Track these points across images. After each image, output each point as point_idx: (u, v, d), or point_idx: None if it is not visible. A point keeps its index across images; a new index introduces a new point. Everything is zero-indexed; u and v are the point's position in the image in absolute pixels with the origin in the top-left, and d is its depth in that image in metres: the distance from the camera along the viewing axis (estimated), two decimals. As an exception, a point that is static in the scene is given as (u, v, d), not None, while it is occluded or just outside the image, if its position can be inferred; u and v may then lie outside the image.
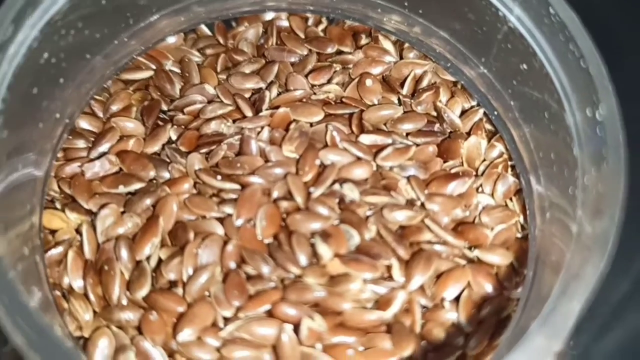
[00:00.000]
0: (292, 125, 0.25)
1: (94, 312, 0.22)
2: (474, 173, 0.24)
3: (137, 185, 0.24)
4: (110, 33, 0.24)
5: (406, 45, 0.27)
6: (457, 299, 0.22)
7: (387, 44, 0.27)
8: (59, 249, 0.23)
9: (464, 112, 0.26)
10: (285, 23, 0.28)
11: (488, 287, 0.22)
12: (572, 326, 0.16)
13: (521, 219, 0.24)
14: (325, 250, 0.22)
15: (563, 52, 0.20)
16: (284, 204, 0.23)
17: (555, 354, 0.22)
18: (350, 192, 0.23)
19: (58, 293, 0.22)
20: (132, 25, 0.25)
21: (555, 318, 0.16)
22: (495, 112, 0.24)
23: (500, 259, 0.22)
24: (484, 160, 0.25)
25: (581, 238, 0.18)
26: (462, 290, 0.22)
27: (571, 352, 0.23)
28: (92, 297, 0.22)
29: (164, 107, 0.26)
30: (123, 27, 0.24)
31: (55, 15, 0.20)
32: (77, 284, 0.22)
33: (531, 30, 0.21)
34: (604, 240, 0.17)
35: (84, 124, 0.25)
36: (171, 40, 0.27)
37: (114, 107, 0.26)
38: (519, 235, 0.23)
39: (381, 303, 0.22)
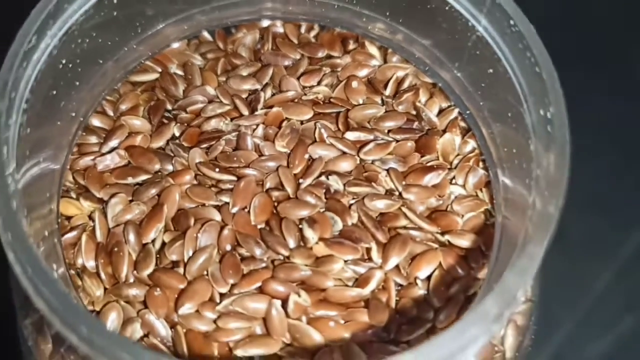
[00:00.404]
0: (284, 123, 0.28)
1: (105, 288, 0.25)
2: (448, 166, 0.27)
3: (144, 177, 0.26)
4: (120, 40, 0.27)
5: (389, 50, 0.30)
6: (428, 278, 0.25)
7: (372, 49, 0.30)
8: (74, 233, 0.26)
9: (440, 111, 0.28)
10: (280, 29, 0.31)
11: (457, 268, 0.25)
12: (516, 296, 0.19)
13: (490, 207, 0.26)
14: (311, 235, 0.25)
15: (521, 59, 0.23)
16: (276, 193, 0.26)
17: (518, 328, 0.25)
18: (335, 183, 0.26)
19: (73, 272, 0.25)
20: (140, 34, 0.28)
21: (502, 288, 0.19)
22: (468, 112, 0.27)
23: (468, 242, 0.25)
24: (458, 154, 0.27)
25: (532, 220, 0.21)
26: (434, 271, 0.25)
27: (533, 326, 0.26)
28: (103, 275, 0.25)
29: (169, 107, 0.29)
30: (132, 35, 0.27)
31: (72, 26, 0.23)
32: (90, 264, 0.25)
33: (496, 39, 0.24)
34: (547, 222, 0.20)
35: (96, 121, 0.28)
36: (175, 45, 0.30)
37: (123, 107, 0.29)
38: (487, 222, 0.26)
39: (360, 281, 0.24)
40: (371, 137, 0.27)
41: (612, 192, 0.45)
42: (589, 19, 0.50)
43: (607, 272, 0.43)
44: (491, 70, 0.25)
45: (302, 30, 0.31)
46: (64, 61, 0.24)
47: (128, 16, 0.26)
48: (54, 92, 0.24)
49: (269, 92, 0.29)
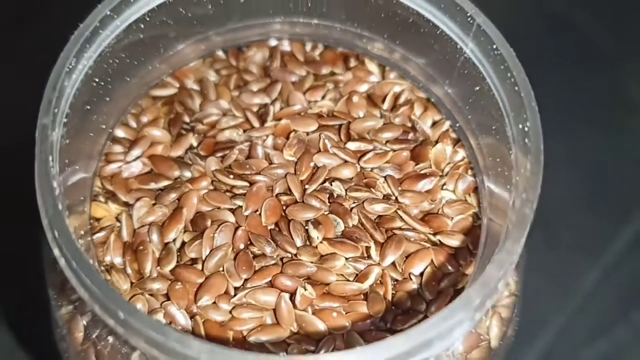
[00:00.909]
0: (292, 134, 0.31)
1: (131, 283, 0.28)
2: (440, 173, 0.30)
3: (165, 183, 0.30)
4: (145, 60, 0.30)
5: (387, 68, 0.33)
6: (421, 274, 0.28)
7: (372, 67, 0.33)
8: (103, 233, 0.29)
9: (433, 124, 0.31)
10: (287, 48, 0.34)
11: (447, 265, 0.28)
12: (496, 287, 0.22)
13: (477, 210, 0.30)
14: (316, 235, 0.28)
15: (503, 79, 0.26)
16: (284, 198, 0.29)
17: (502, 320, 0.28)
18: (338, 189, 0.29)
19: (102, 268, 0.28)
20: (162, 53, 0.31)
21: (483, 280, 0.22)
22: (458, 124, 0.30)
23: (457, 242, 0.28)
24: (449, 163, 0.30)
25: (511, 220, 0.24)
26: (426, 267, 0.28)
27: (517, 318, 0.29)
28: (129, 271, 0.28)
29: (186, 119, 0.32)
30: (156, 55, 0.30)
31: (105, 49, 0.26)
32: (117, 260, 0.28)
33: (481, 60, 0.27)
34: (524, 221, 0.23)
35: (120, 133, 0.31)
36: (192, 64, 0.33)
37: (145, 119, 0.32)
38: (474, 224, 0.29)
39: (360, 276, 0.27)
40: (370, 147, 0.30)
41: (600, 192, 0.48)
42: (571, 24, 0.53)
43: (596, 268, 0.46)
44: (477, 88, 0.28)
45: (308, 49, 0.34)
46: (97, 80, 0.27)
47: (152, 38, 0.29)
48: (88, 107, 0.27)
49: (277, 105, 0.32)
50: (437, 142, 0.31)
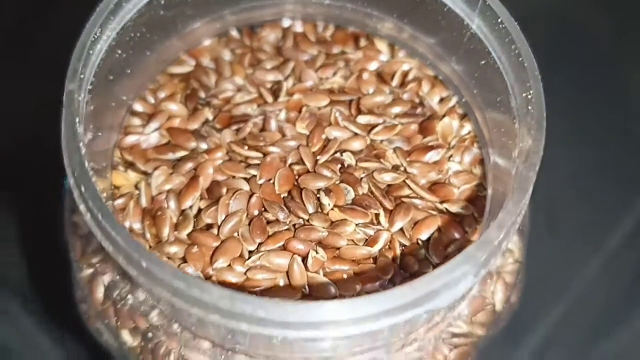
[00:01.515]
0: (304, 109, 0.32)
1: (150, 246, 0.29)
2: (447, 146, 0.32)
3: (182, 153, 0.31)
4: (163, 36, 0.31)
5: (396, 47, 0.34)
6: (428, 240, 0.29)
7: (381, 46, 0.35)
8: (123, 200, 0.30)
9: (441, 100, 0.33)
10: (299, 29, 0.36)
11: (453, 232, 0.29)
12: (496, 246, 0.23)
13: (482, 181, 0.31)
14: (327, 202, 0.29)
15: (507, 52, 0.28)
16: (296, 167, 0.30)
17: (506, 284, 0.30)
18: (349, 159, 0.31)
19: (122, 233, 0.30)
20: (179, 31, 0.32)
21: (486, 237, 0.23)
22: (464, 99, 0.32)
23: (463, 210, 0.30)
24: (455, 136, 0.32)
25: (514, 185, 0.25)
26: (433, 233, 0.29)
27: (519, 284, 0.30)
28: (148, 235, 0.29)
29: (202, 95, 0.34)
30: (173, 32, 0.32)
31: (128, 22, 0.28)
32: (136, 225, 0.30)
33: (487, 35, 0.29)
34: (525, 185, 0.24)
35: (138, 107, 0.33)
36: (207, 42, 0.35)
37: (162, 94, 0.33)
38: (479, 194, 0.31)
39: (370, 241, 0.29)
40: (380, 120, 0.32)
41: (602, 181, 0.49)
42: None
43: (596, 258, 0.48)
44: (483, 62, 0.29)
45: (319, 30, 0.36)
46: (119, 51, 0.28)
47: (171, 15, 0.31)
48: (111, 78, 0.28)
49: (290, 82, 0.33)
50: (444, 116, 0.32)
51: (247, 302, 0.22)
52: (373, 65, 0.34)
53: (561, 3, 0.55)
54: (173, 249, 0.29)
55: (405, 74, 0.34)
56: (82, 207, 0.24)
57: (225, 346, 0.27)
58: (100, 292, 0.29)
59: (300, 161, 0.31)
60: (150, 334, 0.28)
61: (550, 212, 0.47)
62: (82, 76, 0.26)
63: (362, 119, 0.32)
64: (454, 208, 0.30)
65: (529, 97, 0.26)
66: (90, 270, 0.29)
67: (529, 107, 0.26)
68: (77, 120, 0.25)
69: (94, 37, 0.27)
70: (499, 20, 0.28)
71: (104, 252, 0.28)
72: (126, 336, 0.28)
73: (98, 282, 0.29)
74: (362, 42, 0.35)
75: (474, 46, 0.30)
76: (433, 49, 0.33)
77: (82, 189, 0.24)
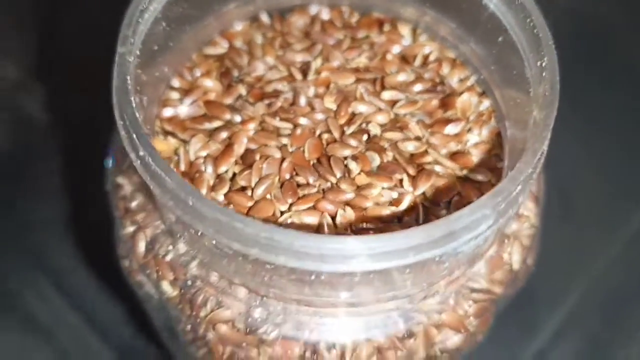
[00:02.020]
0: (331, 85, 0.35)
1: (188, 207, 0.32)
2: (466, 120, 0.34)
3: (218, 124, 0.34)
4: (201, 14, 0.34)
5: (418, 30, 0.37)
6: (449, 203, 0.32)
7: (404, 31, 0.37)
8: (163, 164, 0.33)
9: (460, 80, 0.36)
10: (326, 17, 0.39)
11: (472, 195, 0.32)
12: (514, 194, 0.26)
13: (500, 153, 0.34)
14: (354, 167, 0.32)
15: (523, 26, 0.30)
16: (325, 136, 0.33)
17: (523, 247, 0.32)
18: (374, 129, 0.33)
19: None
20: (215, 10, 0.35)
21: (501, 186, 0.26)
22: (482, 77, 0.35)
23: (482, 177, 0.32)
24: (474, 111, 0.35)
25: (529, 139, 0.28)
26: (453, 197, 0.32)
27: (535, 248, 0.33)
28: (186, 197, 0.32)
29: (236, 74, 0.37)
30: (210, 11, 0.35)
31: (170, -2, 0.31)
32: (176, 188, 0.32)
33: (504, 12, 0.32)
34: (540, 139, 0.27)
35: (176, 82, 0.36)
36: (239, 27, 0.38)
37: (198, 72, 0.36)
38: (497, 165, 0.33)
39: (394, 202, 0.31)
40: (403, 96, 0.35)
41: (620, 169, 0.52)
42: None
43: (615, 242, 0.50)
44: (500, 39, 0.32)
45: (345, 16, 0.39)
46: (164, 24, 0.31)
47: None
48: (155, 48, 0.31)
49: (318, 62, 0.36)
50: (463, 93, 0.35)
51: (285, 234, 0.24)
52: (396, 49, 0.37)
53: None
54: (210, 209, 0.31)
55: (426, 56, 0.37)
56: (132, 155, 0.27)
57: (260, 292, 0.29)
58: (142, 247, 0.31)
59: (329, 132, 0.33)
60: (189, 283, 0.30)
61: (568, 198, 0.49)
62: (131, 41, 0.29)
63: (386, 95, 0.35)
64: (473, 175, 0.32)
65: (543, 64, 0.29)
66: (132, 227, 0.32)
67: (543, 74, 0.29)
68: (128, 78, 0.28)
69: (142, 7, 0.30)
70: (515, -3, 0.31)
71: (145, 209, 0.31)
72: (166, 287, 0.31)
73: (140, 237, 0.31)
74: (386, 27, 0.38)
75: (491, 25, 0.32)
76: (453, 30, 0.35)
77: (134, 136, 0.26)
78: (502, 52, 0.32)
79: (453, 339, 0.31)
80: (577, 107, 0.46)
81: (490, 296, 0.31)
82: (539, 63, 0.29)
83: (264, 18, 0.39)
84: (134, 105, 0.27)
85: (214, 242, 0.27)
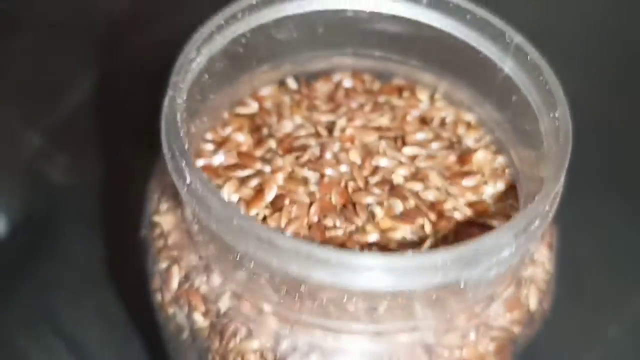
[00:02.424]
0: (356, 141, 0.38)
1: (220, 246, 0.34)
2: (482, 174, 0.37)
3: (249, 172, 0.37)
4: (238, 71, 0.38)
5: (436, 96, 0.41)
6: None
7: (422, 96, 0.41)
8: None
9: (476, 140, 0.39)
10: (349, 84, 0.43)
11: (490, 240, 0.34)
12: (530, 226, 0.28)
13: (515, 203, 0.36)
14: (379, 211, 0.35)
15: (536, 83, 0.34)
16: (351, 184, 0.36)
17: (540, 291, 0.34)
18: (397, 179, 0.36)
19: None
20: (249, 72, 0.39)
21: (521, 215, 0.29)
22: (497, 135, 0.38)
23: (499, 222, 0.35)
24: (489, 167, 0.38)
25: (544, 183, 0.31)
26: (472, 240, 0.34)
27: (550, 294, 0.35)
28: (219, 237, 0.35)
29: (265, 132, 0.40)
30: (244, 71, 0.39)
31: (216, 52, 0.35)
32: (209, 229, 0.35)
33: (517, 73, 0.35)
34: (554, 179, 0.30)
35: (209, 136, 0.39)
36: (266, 89, 0.42)
37: (230, 128, 0.39)
38: (512, 214, 0.36)
39: (416, 245, 0.34)
40: (423, 151, 0.38)
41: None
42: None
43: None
44: (514, 98, 0.36)
45: (367, 85, 0.43)
46: (206, 76, 0.35)
47: (246, 55, 0.38)
48: (199, 98, 0.35)
49: (343, 121, 0.40)
50: (478, 150, 0.38)
51: (321, 247, 0.27)
52: (415, 112, 0.40)
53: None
54: (242, 248, 0.34)
55: (443, 119, 0.40)
56: (179, 183, 0.29)
57: (290, 319, 0.31)
58: (176, 279, 0.33)
59: (354, 181, 0.36)
60: (220, 314, 0.32)
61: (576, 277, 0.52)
62: (181, 87, 0.32)
63: (407, 150, 0.38)
64: (491, 221, 0.35)
65: (556, 115, 0.32)
66: (167, 262, 0.34)
67: (556, 123, 0.32)
68: (178, 114, 0.31)
69: (191, 56, 0.33)
70: (528, 57, 0.34)
71: (181, 245, 0.33)
72: (198, 317, 0.33)
73: (174, 270, 0.33)
74: (405, 94, 0.42)
75: (506, 86, 0.36)
76: (469, 95, 0.39)
77: (182, 163, 0.29)
78: (516, 111, 0.36)
79: (474, 377, 0.32)
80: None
81: (509, 334, 0.33)
82: (550, 114, 0.33)
83: (291, 83, 0.42)
84: (182, 135, 0.30)
85: (252, 264, 0.29)
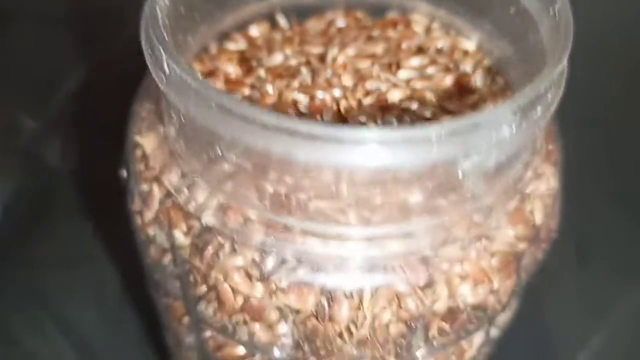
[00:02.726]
0: (349, 67, 0.37)
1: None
2: (481, 94, 0.36)
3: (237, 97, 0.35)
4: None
5: (433, 25, 0.40)
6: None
7: (417, 28, 0.40)
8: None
9: (474, 65, 0.38)
10: (341, 23, 0.41)
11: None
12: (531, 102, 0.27)
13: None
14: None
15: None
16: (343, 104, 0.34)
17: (544, 205, 0.32)
18: (391, 98, 0.35)
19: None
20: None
21: (519, 94, 0.27)
22: (496, 55, 0.37)
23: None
24: (489, 89, 0.36)
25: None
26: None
27: (556, 212, 0.33)
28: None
29: (255, 64, 0.38)
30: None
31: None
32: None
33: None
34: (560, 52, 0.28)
35: (196, 67, 0.37)
36: (257, 31, 0.41)
37: (218, 60, 0.38)
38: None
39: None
40: (418, 74, 0.36)
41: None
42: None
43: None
44: (513, 9, 0.34)
45: (361, 23, 0.41)
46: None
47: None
48: (183, 12, 0.33)
49: (335, 50, 0.38)
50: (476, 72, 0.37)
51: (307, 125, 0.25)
52: (410, 42, 0.39)
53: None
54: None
55: (440, 49, 0.39)
56: (160, 75, 0.28)
57: (276, 226, 0.29)
58: (157, 198, 0.31)
59: (346, 101, 0.35)
60: (202, 231, 0.30)
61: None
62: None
63: (402, 73, 0.36)
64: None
65: (555, 11, 0.31)
66: (148, 182, 0.32)
67: (556, 18, 0.31)
68: (158, 8, 0.29)
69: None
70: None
71: (164, 164, 0.32)
72: (179, 235, 0.31)
73: (155, 190, 0.32)
74: (400, 27, 0.40)
75: (504, 3, 0.35)
76: (467, 20, 0.38)
77: (160, 50, 0.28)
78: (515, 24, 0.34)
79: (476, 292, 0.30)
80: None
81: (513, 250, 0.31)
82: (551, 12, 0.31)
83: (282, 22, 0.41)
84: (161, 24, 0.28)
85: (234, 156, 0.27)
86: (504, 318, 0.36)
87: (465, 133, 0.25)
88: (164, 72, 0.28)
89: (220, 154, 0.28)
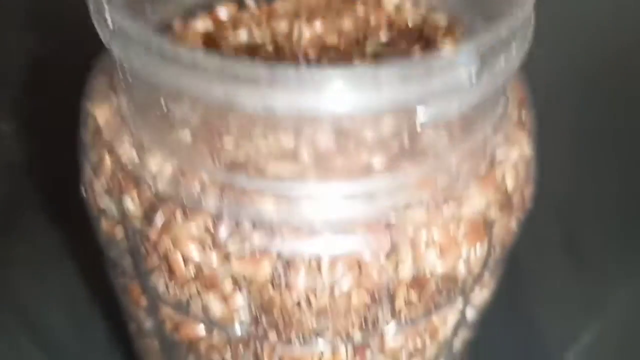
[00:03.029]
0: (315, 42, 0.36)
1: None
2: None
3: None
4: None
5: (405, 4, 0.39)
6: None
7: (388, 6, 0.39)
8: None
9: (444, 34, 0.37)
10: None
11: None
12: (494, 43, 0.25)
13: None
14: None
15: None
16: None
17: (517, 172, 0.31)
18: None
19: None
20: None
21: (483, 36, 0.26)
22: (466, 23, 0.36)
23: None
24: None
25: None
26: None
27: (531, 180, 0.32)
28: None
29: (221, 42, 0.38)
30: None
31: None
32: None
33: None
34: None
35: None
36: (224, 12, 0.40)
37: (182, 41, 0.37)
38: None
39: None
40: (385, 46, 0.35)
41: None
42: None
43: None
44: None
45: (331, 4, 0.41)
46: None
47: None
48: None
49: (301, 25, 0.37)
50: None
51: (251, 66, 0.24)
52: (379, 18, 0.38)
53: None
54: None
55: (409, 23, 0.38)
56: (105, 31, 0.27)
57: (230, 190, 0.28)
58: (107, 170, 0.30)
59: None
60: (153, 199, 0.29)
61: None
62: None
63: (369, 45, 0.35)
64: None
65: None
66: (99, 153, 0.31)
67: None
68: None
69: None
70: None
71: (114, 134, 0.31)
72: (129, 204, 0.29)
73: (107, 159, 0.30)
74: (370, 3, 0.39)
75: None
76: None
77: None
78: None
79: (444, 260, 0.29)
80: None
81: (483, 217, 0.29)
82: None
83: (250, 3, 0.40)
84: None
85: (185, 109, 0.26)
86: (480, 297, 0.34)
87: (420, 75, 0.24)
88: (108, 27, 0.27)
89: (167, 110, 0.27)
